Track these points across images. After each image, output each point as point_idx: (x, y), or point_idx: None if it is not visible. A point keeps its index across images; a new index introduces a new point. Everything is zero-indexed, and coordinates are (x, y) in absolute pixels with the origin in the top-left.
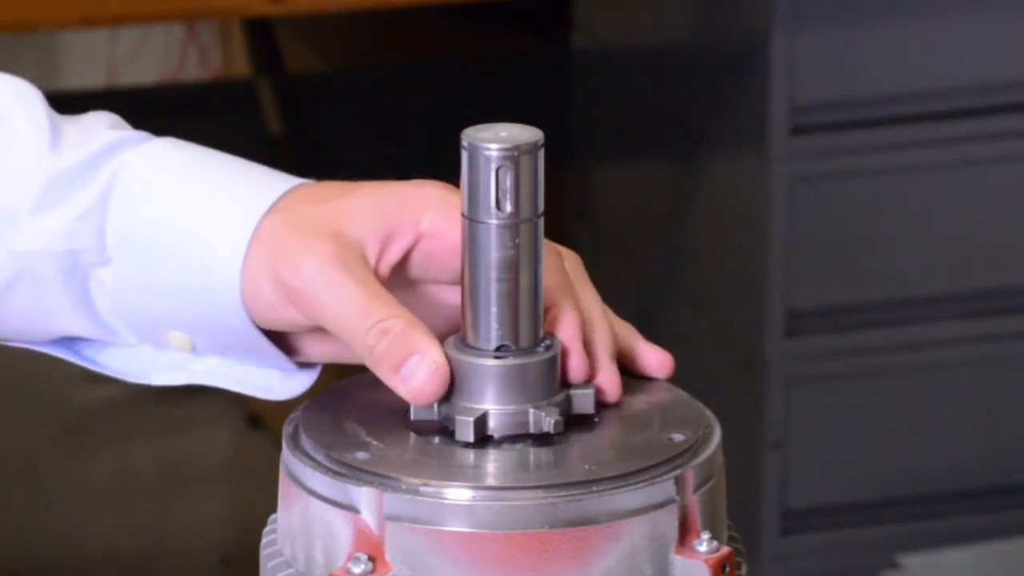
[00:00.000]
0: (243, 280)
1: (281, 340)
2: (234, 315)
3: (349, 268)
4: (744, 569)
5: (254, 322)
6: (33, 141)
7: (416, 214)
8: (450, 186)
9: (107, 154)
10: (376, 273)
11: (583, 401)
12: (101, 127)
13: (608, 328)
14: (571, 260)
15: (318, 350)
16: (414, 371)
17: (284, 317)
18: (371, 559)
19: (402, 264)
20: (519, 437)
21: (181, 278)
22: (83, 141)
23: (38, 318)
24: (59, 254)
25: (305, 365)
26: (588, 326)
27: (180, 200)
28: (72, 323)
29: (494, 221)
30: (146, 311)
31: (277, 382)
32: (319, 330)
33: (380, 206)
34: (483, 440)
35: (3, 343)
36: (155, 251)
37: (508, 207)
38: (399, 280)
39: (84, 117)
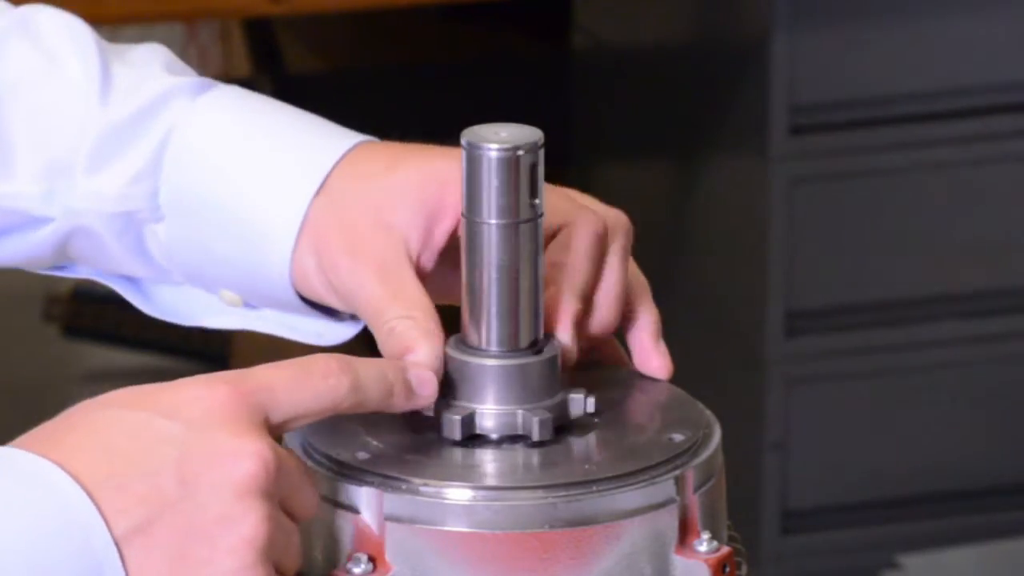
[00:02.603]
0: (292, 263)
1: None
2: (283, 290)
3: (382, 270)
4: (744, 569)
5: (301, 296)
6: (84, 90)
7: (458, 195)
8: None
9: (158, 106)
10: (418, 264)
11: (577, 405)
12: (155, 70)
13: (605, 306)
14: (619, 230)
15: None
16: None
17: (327, 301)
18: (371, 559)
19: (451, 240)
20: (519, 437)
21: (232, 249)
22: (134, 89)
23: (97, 262)
24: (112, 215)
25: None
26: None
27: (232, 169)
28: (129, 268)
29: (494, 221)
30: (198, 269)
31: (328, 328)
32: None
33: (422, 189)
34: (483, 440)
35: (68, 272)
36: (206, 218)
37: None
38: (453, 253)
39: (137, 54)
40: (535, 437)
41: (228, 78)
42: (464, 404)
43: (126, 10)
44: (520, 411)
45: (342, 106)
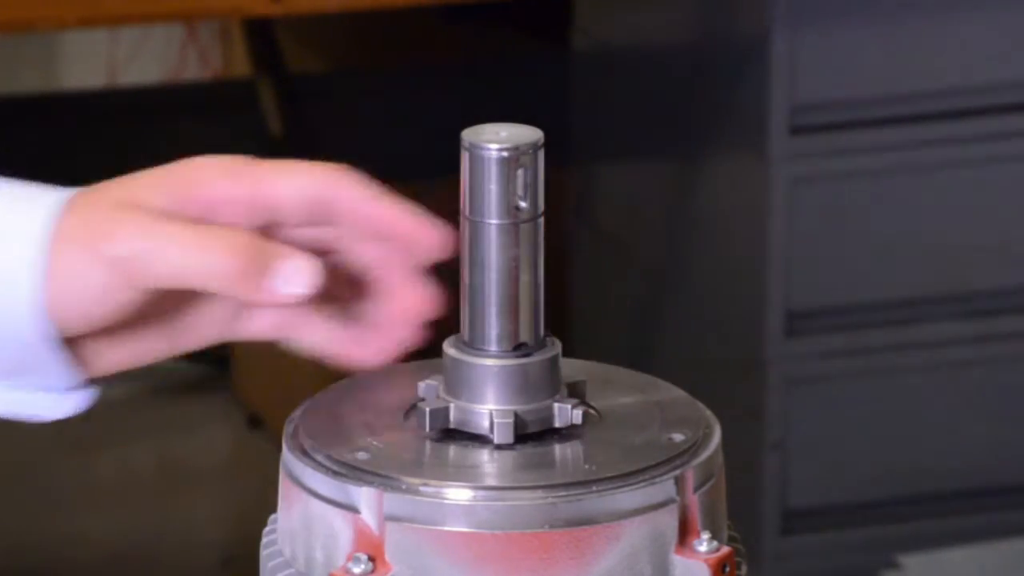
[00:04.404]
0: (51, 281)
1: (73, 352)
2: (28, 326)
3: (163, 218)
4: (744, 569)
5: (62, 327)
6: None
7: (204, 183)
8: (227, 156)
9: None
10: None
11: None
12: None
13: None
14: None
15: (116, 358)
16: (290, 274)
17: (117, 299)
18: (371, 559)
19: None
20: (519, 437)
21: None
22: None
23: None
24: None
25: (88, 382)
26: None
27: None
28: None
29: (494, 221)
30: None
31: (50, 402)
32: (120, 331)
33: (167, 179)
34: (482, 439)
35: None
36: None
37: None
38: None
39: None
40: (578, 423)
41: (228, 78)
42: (482, 407)
43: (126, 10)
44: (556, 404)
45: (342, 106)
